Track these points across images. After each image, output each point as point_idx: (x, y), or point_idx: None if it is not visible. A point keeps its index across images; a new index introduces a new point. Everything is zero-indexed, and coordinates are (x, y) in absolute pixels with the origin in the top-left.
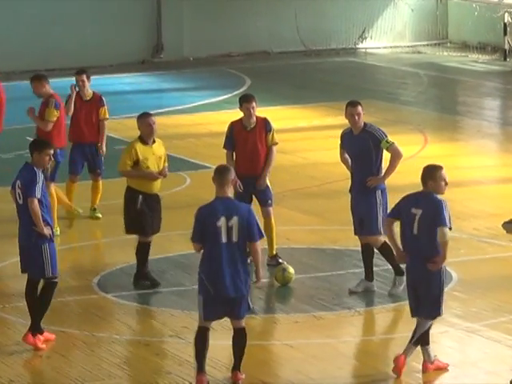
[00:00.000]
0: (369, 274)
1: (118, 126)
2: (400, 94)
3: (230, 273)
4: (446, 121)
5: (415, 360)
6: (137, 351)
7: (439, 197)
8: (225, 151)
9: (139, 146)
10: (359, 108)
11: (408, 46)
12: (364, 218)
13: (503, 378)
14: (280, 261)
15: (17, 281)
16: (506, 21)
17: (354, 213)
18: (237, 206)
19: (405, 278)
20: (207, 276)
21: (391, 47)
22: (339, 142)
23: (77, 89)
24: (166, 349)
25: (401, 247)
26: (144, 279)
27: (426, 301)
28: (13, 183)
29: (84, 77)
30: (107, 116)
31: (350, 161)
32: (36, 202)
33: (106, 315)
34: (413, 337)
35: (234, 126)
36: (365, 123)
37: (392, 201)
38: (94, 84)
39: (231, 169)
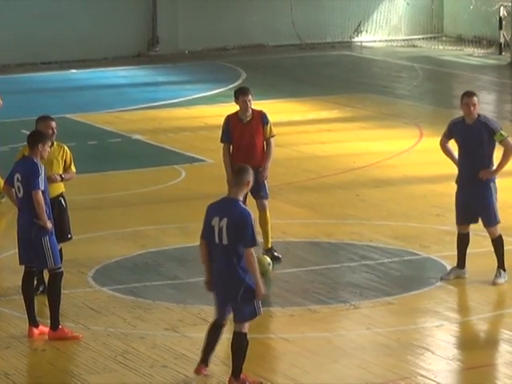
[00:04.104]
0: (462, 262)
1: (114, 120)
2: (395, 87)
3: (221, 274)
4: (442, 114)
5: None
6: (132, 344)
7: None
8: (221, 145)
9: (27, 149)
10: (475, 98)
11: (403, 40)
12: (480, 210)
13: (498, 371)
14: (275, 254)
15: (12, 274)
16: (501, 14)
17: (463, 203)
18: (231, 208)
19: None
20: (207, 275)
21: (387, 41)
22: (445, 130)
23: None
24: (161, 342)
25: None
26: (40, 285)
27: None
28: (9, 179)
29: None
30: None
31: (452, 151)
32: (40, 194)
33: (102, 309)
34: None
35: (231, 119)
36: (479, 114)
37: (389, 195)
38: (90, 77)
39: (248, 170)
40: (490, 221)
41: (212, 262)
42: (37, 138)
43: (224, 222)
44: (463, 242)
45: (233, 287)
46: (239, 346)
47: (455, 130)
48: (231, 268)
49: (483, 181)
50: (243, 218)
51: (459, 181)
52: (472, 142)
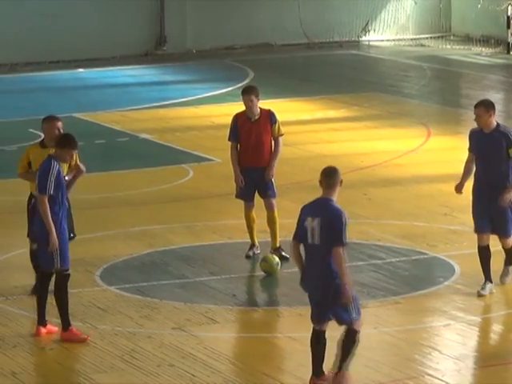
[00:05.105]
0: (488, 275)
1: (121, 119)
2: (403, 86)
3: (314, 275)
4: (449, 114)
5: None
6: (139, 344)
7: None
8: (229, 143)
9: (33, 148)
10: (480, 109)
11: (411, 39)
12: (497, 220)
13: (506, 371)
14: (283, 254)
15: (20, 273)
16: (509, 14)
17: (482, 212)
18: (324, 208)
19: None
20: (301, 276)
21: (394, 40)
22: (468, 144)
23: None
24: (168, 341)
25: None
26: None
27: None
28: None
29: None
30: None
31: (469, 173)
32: (45, 199)
33: (109, 308)
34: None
35: (239, 118)
36: (498, 123)
37: (396, 194)
38: (97, 76)
39: (338, 171)
40: (506, 231)
41: (306, 263)
42: (65, 144)
43: (316, 221)
44: (484, 256)
45: (325, 288)
46: (348, 341)
47: (473, 139)
48: (324, 268)
49: (503, 190)
50: (336, 216)
51: (476, 191)
52: (490, 152)
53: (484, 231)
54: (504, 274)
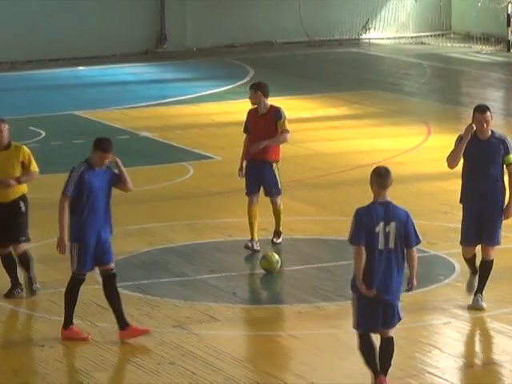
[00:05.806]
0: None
1: (121, 117)
2: (403, 84)
3: (384, 279)
4: (450, 112)
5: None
6: (140, 341)
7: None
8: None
9: None
10: (488, 114)
11: (411, 37)
12: (486, 227)
13: (506, 369)
14: (275, 240)
15: (19, 271)
16: (509, 12)
17: (473, 222)
18: (394, 211)
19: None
20: (367, 280)
21: (395, 38)
22: (455, 142)
23: None
24: (168, 339)
25: None
26: (15, 288)
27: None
28: None
29: None
30: None
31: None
32: (63, 200)
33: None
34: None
35: (251, 111)
36: (492, 130)
37: (396, 192)
38: (97, 74)
39: (390, 171)
40: (492, 240)
41: (367, 267)
42: (95, 147)
43: (392, 225)
44: (471, 262)
45: (395, 290)
46: (392, 350)
47: (466, 146)
48: (395, 271)
49: (496, 199)
50: (409, 217)
51: (467, 199)
52: (487, 159)
53: (470, 243)
54: (478, 300)
